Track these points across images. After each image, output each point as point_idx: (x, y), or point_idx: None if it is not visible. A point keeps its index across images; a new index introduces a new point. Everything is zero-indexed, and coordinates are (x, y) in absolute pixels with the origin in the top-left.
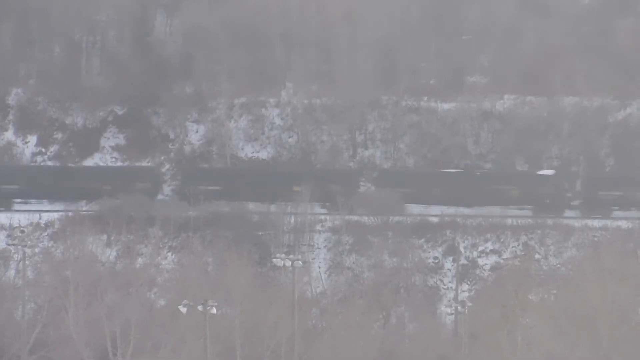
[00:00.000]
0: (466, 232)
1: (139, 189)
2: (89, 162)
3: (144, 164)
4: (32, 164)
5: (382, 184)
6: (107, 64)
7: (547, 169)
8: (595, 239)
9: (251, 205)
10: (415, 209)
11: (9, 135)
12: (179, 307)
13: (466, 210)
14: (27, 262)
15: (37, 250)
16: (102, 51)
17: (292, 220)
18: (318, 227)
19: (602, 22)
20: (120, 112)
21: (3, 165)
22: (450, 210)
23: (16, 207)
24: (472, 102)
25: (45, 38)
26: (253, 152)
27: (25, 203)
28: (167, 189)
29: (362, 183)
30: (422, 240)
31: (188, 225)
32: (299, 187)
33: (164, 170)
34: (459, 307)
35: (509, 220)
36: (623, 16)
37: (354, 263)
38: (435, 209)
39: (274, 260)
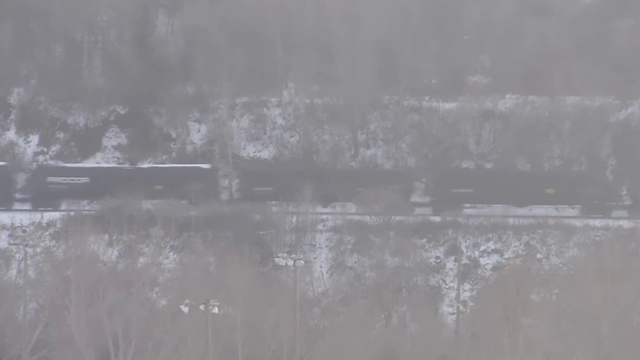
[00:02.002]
0: (468, 231)
1: (195, 190)
2: (90, 162)
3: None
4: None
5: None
6: (108, 64)
7: (549, 168)
8: (597, 238)
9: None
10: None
11: (11, 134)
12: (180, 306)
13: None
14: (28, 262)
15: (38, 249)
16: (103, 51)
17: (294, 219)
18: (320, 227)
19: (603, 22)
20: (121, 112)
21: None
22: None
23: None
24: (473, 102)
25: (47, 38)
26: (255, 152)
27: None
28: (227, 191)
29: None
30: (424, 239)
31: (189, 225)
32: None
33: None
34: (460, 307)
35: (511, 220)
36: (623, 16)
37: (355, 263)
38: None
39: (275, 259)
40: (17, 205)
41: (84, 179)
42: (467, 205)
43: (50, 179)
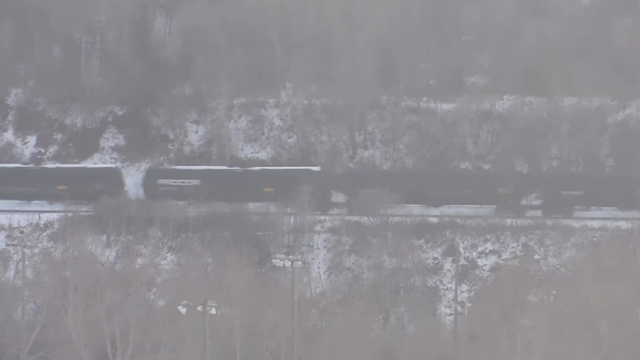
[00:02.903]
0: (466, 232)
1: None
2: (88, 163)
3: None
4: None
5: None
6: (106, 65)
7: (546, 169)
8: (595, 239)
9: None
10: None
11: (9, 135)
12: (178, 307)
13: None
14: (26, 263)
15: (36, 250)
16: (101, 52)
17: (292, 220)
18: (317, 228)
19: (602, 22)
20: (119, 113)
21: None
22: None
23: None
24: (471, 103)
25: (45, 38)
26: (252, 153)
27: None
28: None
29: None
30: (422, 240)
31: (187, 225)
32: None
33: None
34: (458, 308)
35: (509, 221)
36: (622, 17)
37: (353, 263)
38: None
39: (273, 260)
40: None
41: (194, 182)
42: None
43: (161, 181)
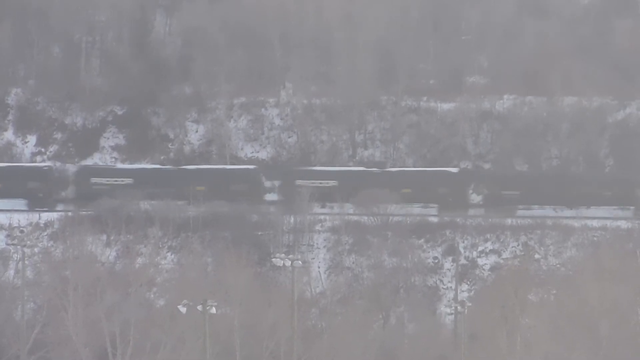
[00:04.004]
0: (466, 232)
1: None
2: (88, 162)
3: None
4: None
5: None
6: (106, 64)
7: (546, 168)
8: (595, 239)
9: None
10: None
11: (9, 135)
12: (178, 307)
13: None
14: (26, 262)
15: (36, 250)
16: (101, 51)
17: (292, 220)
18: (317, 227)
19: (601, 22)
20: (119, 112)
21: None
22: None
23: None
24: (471, 103)
25: (45, 38)
26: (252, 152)
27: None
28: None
29: None
30: (422, 240)
31: (187, 225)
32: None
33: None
34: (458, 307)
35: (509, 220)
36: (622, 17)
37: (353, 263)
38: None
39: (273, 260)
40: None
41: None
42: None
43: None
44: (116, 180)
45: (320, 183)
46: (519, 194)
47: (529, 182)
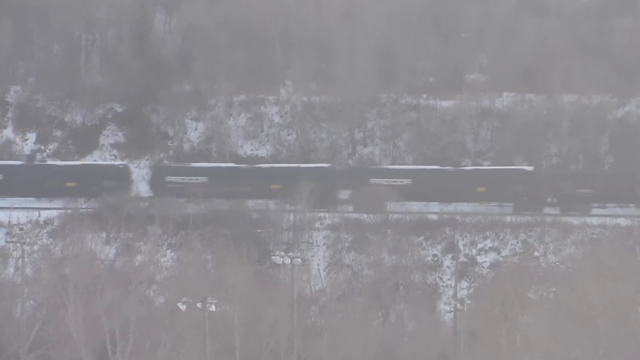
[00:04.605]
0: (465, 229)
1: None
2: (88, 160)
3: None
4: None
5: None
6: (106, 62)
7: (547, 167)
8: (595, 236)
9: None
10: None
11: (8, 132)
12: (178, 304)
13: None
14: (26, 260)
15: (36, 247)
16: (101, 49)
17: (291, 217)
18: (317, 225)
19: (601, 20)
20: (119, 110)
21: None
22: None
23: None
24: (471, 100)
25: (45, 36)
26: (252, 150)
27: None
28: None
29: None
30: (422, 237)
31: (187, 222)
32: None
33: None
34: (458, 305)
35: (508, 218)
36: (621, 15)
37: (353, 261)
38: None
39: (273, 257)
40: None
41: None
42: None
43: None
44: (191, 179)
45: (395, 182)
46: (592, 193)
47: (601, 180)
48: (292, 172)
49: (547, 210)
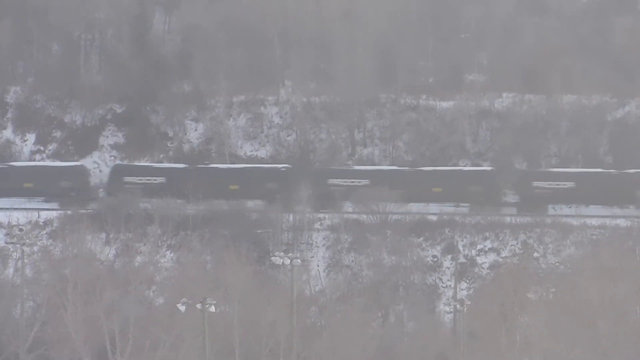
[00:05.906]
0: (465, 230)
1: None
2: (87, 161)
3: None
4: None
5: None
6: (105, 62)
7: (547, 167)
8: (594, 237)
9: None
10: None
11: (8, 133)
12: (177, 305)
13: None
14: (25, 261)
15: (35, 248)
16: (100, 49)
17: (291, 218)
18: (317, 226)
19: (600, 20)
20: (119, 111)
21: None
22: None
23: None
24: (470, 101)
25: (44, 36)
26: (252, 151)
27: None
28: None
29: None
30: (421, 238)
31: (187, 223)
32: None
33: None
34: (457, 306)
35: (508, 219)
36: (621, 15)
37: (352, 261)
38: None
39: (272, 258)
40: None
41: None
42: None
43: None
44: (149, 179)
45: (352, 182)
46: (552, 192)
47: (563, 180)
48: (250, 172)
49: (504, 210)
